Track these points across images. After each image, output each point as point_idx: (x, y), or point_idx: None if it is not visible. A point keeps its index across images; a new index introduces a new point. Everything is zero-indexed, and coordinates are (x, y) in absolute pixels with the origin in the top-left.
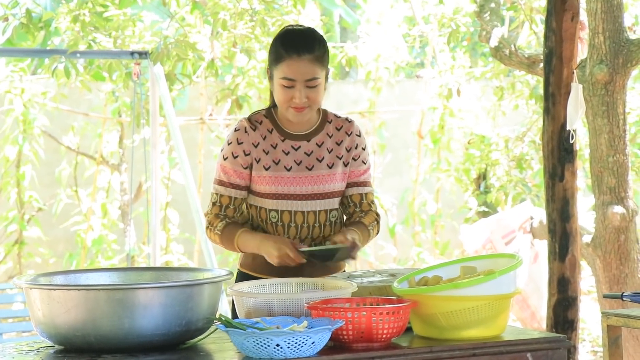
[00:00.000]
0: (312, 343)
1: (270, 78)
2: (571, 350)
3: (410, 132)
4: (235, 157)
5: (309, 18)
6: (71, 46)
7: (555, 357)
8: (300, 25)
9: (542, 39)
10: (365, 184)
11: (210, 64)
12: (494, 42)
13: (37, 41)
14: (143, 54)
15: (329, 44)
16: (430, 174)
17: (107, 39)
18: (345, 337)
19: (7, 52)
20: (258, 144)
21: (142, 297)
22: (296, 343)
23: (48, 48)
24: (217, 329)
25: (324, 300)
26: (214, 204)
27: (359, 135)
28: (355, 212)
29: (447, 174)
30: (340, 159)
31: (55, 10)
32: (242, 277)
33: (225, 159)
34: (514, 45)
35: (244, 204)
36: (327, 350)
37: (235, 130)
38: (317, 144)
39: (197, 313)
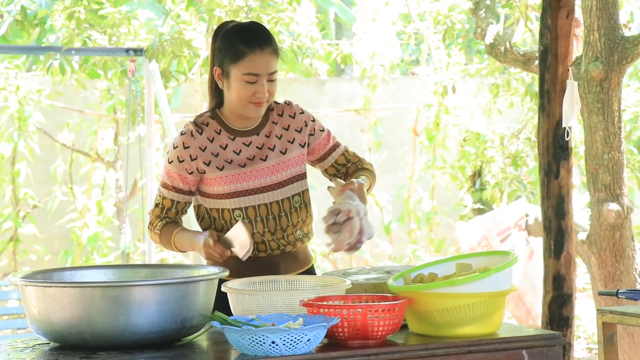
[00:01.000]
0: (308, 340)
1: (224, 77)
2: (566, 348)
3: (406, 129)
4: (180, 162)
5: (304, 15)
6: (66, 43)
7: (551, 354)
8: (243, 21)
9: (537, 36)
10: (337, 145)
11: (206, 61)
12: (489, 40)
13: (32, 38)
14: (138, 51)
15: (325, 42)
16: (425, 171)
17: (102, 37)
18: (341, 334)
19: (1, 49)
20: (205, 147)
21: (137, 294)
22: (292, 340)
23: (43, 45)
24: (212, 326)
25: (319, 298)
26: (156, 205)
27: (302, 113)
28: (349, 168)
29: (442, 171)
30: (292, 142)
31: (51, 8)
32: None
33: (170, 163)
34: (509, 43)
35: (187, 207)
36: (323, 347)
37: (182, 134)
38: (265, 135)
39: (192, 310)
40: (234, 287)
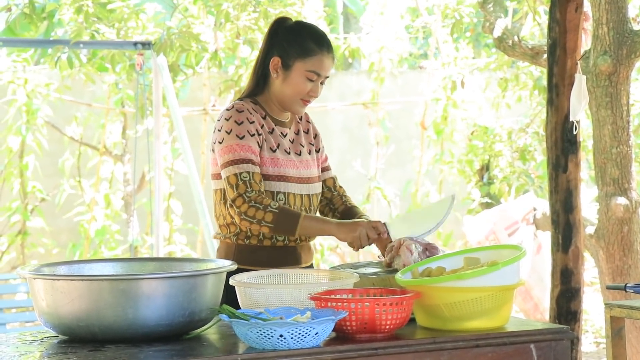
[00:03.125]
0: (316, 334)
1: (283, 68)
2: (574, 342)
3: (414, 123)
4: (252, 135)
5: (312, 9)
6: (74, 37)
7: (559, 348)
8: (307, 22)
9: (545, 30)
10: (329, 167)
11: (214, 55)
12: (497, 33)
13: (40, 32)
14: (146, 45)
15: (332, 35)
16: (433, 165)
17: (111, 30)
18: (349, 327)
19: (10, 42)
20: (262, 125)
21: (145, 287)
22: (300, 334)
23: (51, 39)
24: (220, 319)
25: (327, 291)
26: (247, 182)
27: (313, 122)
28: (333, 195)
29: (450, 165)
30: (312, 145)
31: (59, 1)
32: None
33: (241, 138)
34: (518, 36)
35: None
36: (331, 341)
37: (239, 111)
38: (295, 132)
39: (200, 304)
40: (242, 281)
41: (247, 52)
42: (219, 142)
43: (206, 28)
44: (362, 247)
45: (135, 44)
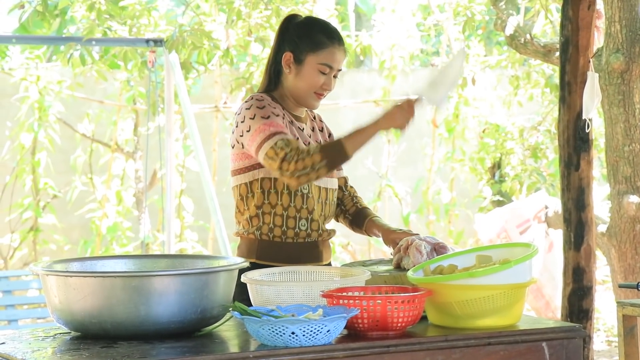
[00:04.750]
0: (328, 331)
1: (295, 63)
2: (586, 340)
3: (425, 121)
4: (277, 116)
5: (324, 7)
6: (87, 34)
7: (571, 347)
8: (317, 17)
9: (557, 28)
10: (341, 168)
11: (226, 52)
12: (509, 31)
13: (53, 29)
14: (158, 42)
15: (344, 33)
16: (444, 163)
17: (123, 27)
18: (361, 325)
19: (23, 40)
20: (284, 115)
21: (158, 284)
22: (311, 331)
23: (63, 36)
24: (232, 316)
25: (339, 289)
26: (284, 146)
27: (326, 123)
28: (344, 195)
29: (461, 163)
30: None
31: None
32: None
33: (267, 117)
34: (530, 34)
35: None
36: (342, 338)
37: (259, 99)
38: (311, 128)
39: (212, 301)
40: (253, 278)
41: (258, 50)
42: (247, 130)
43: (218, 25)
44: (406, 124)
45: (147, 41)
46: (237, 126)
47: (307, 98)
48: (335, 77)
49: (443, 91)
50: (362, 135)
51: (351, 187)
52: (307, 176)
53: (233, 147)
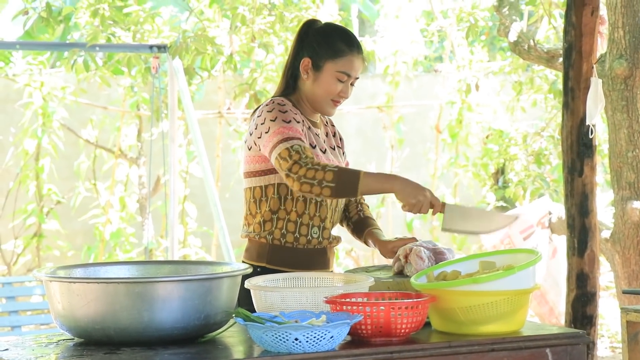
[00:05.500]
0: (331, 337)
1: (314, 69)
2: (590, 346)
3: (428, 126)
4: (297, 122)
5: (327, 13)
6: (90, 40)
7: (574, 353)
8: (336, 24)
9: (561, 34)
10: None
11: (229, 58)
12: (512, 37)
13: (57, 35)
14: (162, 48)
15: None
16: (448, 169)
17: (126, 34)
18: (364, 331)
19: (27, 46)
20: (303, 121)
21: (161, 290)
22: (315, 337)
23: (67, 42)
24: (235, 322)
25: (342, 295)
26: (300, 151)
27: (337, 128)
28: (350, 203)
29: (465, 168)
30: (341, 148)
31: (75, 5)
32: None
33: (288, 122)
34: (533, 40)
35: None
36: (346, 344)
37: (281, 104)
38: (324, 133)
39: (215, 307)
40: (257, 284)
41: (262, 56)
42: (265, 132)
43: (221, 31)
44: (416, 213)
45: (150, 47)
46: (256, 128)
47: (323, 105)
48: (352, 84)
49: (465, 225)
50: (379, 182)
51: None
52: (311, 187)
53: (250, 149)
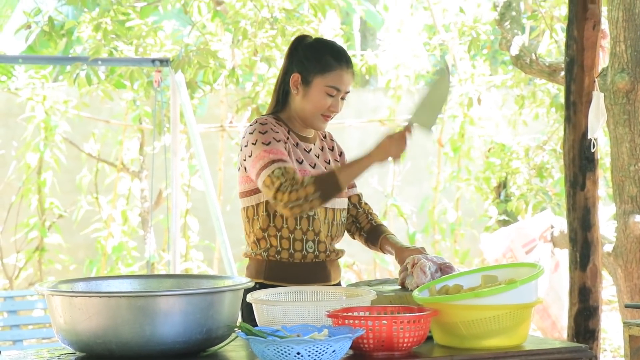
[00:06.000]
0: (333, 351)
1: (303, 84)
2: None
3: (431, 140)
4: (278, 141)
5: (329, 27)
6: (93, 54)
7: None
8: (326, 39)
9: (562, 47)
10: (355, 185)
11: (231, 72)
12: (514, 51)
13: (59, 49)
14: (164, 62)
15: (349, 52)
16: (450, 182)
17: (129, 47)
18: (366, 345)
19: (29, 60)
20: (288, 138)
21: (163, 304)
22: (317, 351)
23: (70, 56)
24: (237, 336)
25: (344, 309)
26: (280, 175)
27: (336, 141)
28: (359, 213)
29: (467, 182)
30: (338, 162)
31: (78, 19)
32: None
33: (268, 144)
34: (535, 54)
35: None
36: (348, 358)
37: (263, 124)
38: (320, 148)
39: (217, 321)
40: (259, 298)
41: (264, 69)
42: (249, 156)
43: (224, 45)
44: (402, 153)
45: (153, 61)
46: (241, 150)
47: (313, 120)
48: (343, 99)
49: (431, 113)
50: (355, 167)
51: (365, 203)
52: (300, 207)
53: (239, 170)
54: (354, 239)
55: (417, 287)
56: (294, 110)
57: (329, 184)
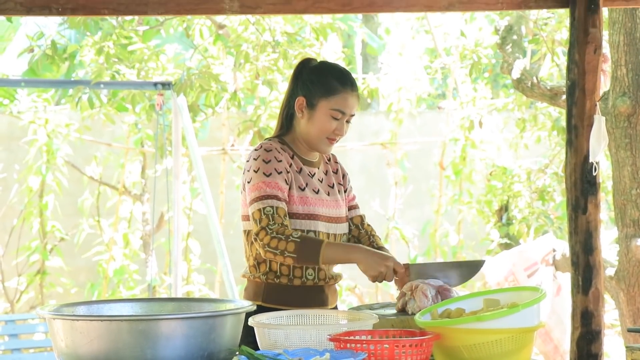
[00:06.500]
0: None
1: (308, 107)
2: None
3: (432, 163)
4: (279, 173)
5: (331, 50)
6: (95, 77)
7: None
8: (329, 61)
9: (564, 71)
10: (357, 206)
11: (233, 95)
12: (516, 74)
13: (62, 72)
14: (166, 85)
15: None
16: (451, 206)
17: (131, 71)
18: None
19: (32, 83)
20: (291, 164)
21: (164, 328)
22: None
23: (72, 79)
24: None
25: (346, 332)
26: (270, 216)
27: (340, 163)
28: (361, 234)
29: (468, 205)
30: (341, 185)
31: (80, 43)
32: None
33: (268, 175)
34: (536, 77)
35: None
36: None
37: (267, 150)
38: (324, 172)
39: (219, 344)
40: (261, 321)
41: (266, 93)
42: (248, 181)
43: (225, 68)
44: (381, 282)
45: (155, 84)
46: (244, 173)
47: (318, 143)
48: (348, 122)
49: (434, 272)
50: (342, 252)
51: (368, 225)
52: (274, 255)
53: (241, 193)
54: None
55: (420, 310)
56: (299, 133)
57: (309, 252)
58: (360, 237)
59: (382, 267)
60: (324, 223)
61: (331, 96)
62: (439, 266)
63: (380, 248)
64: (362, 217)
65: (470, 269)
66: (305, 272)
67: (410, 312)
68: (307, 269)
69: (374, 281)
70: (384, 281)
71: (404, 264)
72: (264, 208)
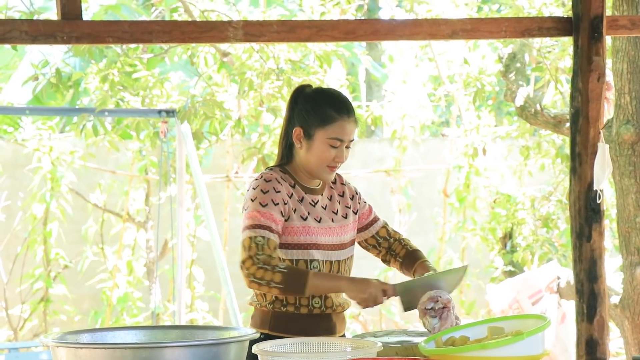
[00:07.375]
0: None
1: (305, 138)
2: None
3: (436, 190)
4: (276, 204)
5: (335, 77)
6: (99, 105)
7: None
8: (329, 87)
9: (567, 99)
10: (378, 218)
11: (237, 122)
12: (519, 102)
13: (66, 100)
14: (170, 113)
15: (355, 103)
16: (456, 233)
17: (135, 98)
18: None
19: (36, 111)
20: (291, 194)
21: (168, 356)
22: None
23: (77, 107)
24: None
25: None
26: (260, 246)
27: (349, 184)
28: (392, 243)
29: (472, 232)
30: (349, 208)
31: (85, 70)
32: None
33: (264, 206)
34: (540, 105)
35: None
36: None
37: (267, 180)
38: (327, 197)
39: None
40: (265, 349)
41: (270, 120)
42: (245, 209)
43: (230, 96)
44: (373, 306)
45: (159, 111)
46: (245, 200)
47: (319, 172)
48: (348, 147)
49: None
50: (328, 283)
51: (395, 231)
52: (259, 286)
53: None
54: (389, 266)
55: (437, 332)
56: (299, 162)
57: (295, 283)
58: (391, 246)
59: (370, 289)
60: (326, 251)
61: (328, 125)
62: (426, 280)
63: (415, 251)
64: (386, 228)
65: (455, 276)
66: (312, 300)
67: (428, 330)
68: (314, 297)
69: (364, 307)
70: (379, 304)
71: (390, 285)
72: (255, 237)
